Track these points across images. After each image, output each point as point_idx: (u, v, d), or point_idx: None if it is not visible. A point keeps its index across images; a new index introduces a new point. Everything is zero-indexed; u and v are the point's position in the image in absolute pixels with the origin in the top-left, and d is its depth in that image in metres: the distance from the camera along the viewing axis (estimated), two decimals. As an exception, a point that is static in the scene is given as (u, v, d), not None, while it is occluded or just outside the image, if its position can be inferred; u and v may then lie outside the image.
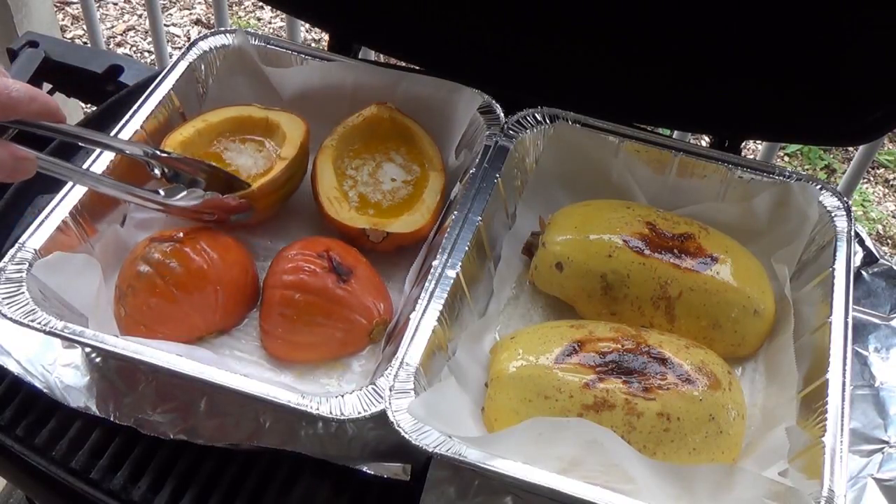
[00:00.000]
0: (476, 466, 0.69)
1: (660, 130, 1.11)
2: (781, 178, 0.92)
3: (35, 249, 0.80)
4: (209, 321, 0.84)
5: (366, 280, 0.85)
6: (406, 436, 0.70)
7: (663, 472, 0.69)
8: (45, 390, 0.80)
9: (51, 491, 0.79)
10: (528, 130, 0.95)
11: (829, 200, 0.90)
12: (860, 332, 0.88)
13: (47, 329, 0.75)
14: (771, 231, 0.91)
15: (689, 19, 0.90)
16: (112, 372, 0.81)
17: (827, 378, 0.76)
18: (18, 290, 0.78)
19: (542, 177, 0.96)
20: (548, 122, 0.96)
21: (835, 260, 0.85)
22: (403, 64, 1.16)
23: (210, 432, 0.78)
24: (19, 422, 0.81)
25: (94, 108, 1.09)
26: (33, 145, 0.70)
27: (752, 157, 1.48)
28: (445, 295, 0.80)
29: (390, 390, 0.73)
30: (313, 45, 2.28)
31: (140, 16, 2.46)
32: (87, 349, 0.82)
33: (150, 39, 2.34)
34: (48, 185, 0.92)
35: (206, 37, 1.02)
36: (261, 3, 2.01)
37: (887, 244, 2.06)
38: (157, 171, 0.84)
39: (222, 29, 1.03)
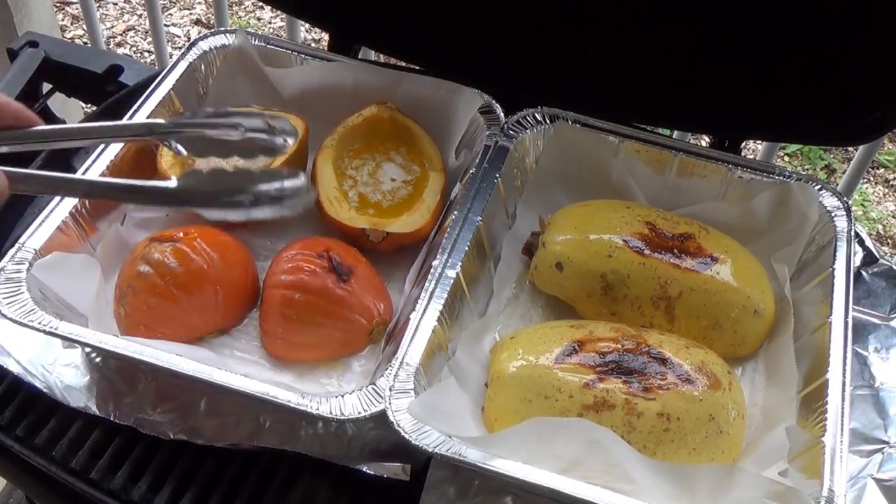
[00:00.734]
0: (476, 466, 0.69)
1: (660, 130, 1.11)
2: (781, 178, 0.92)
3: (35, 249, 0.80)
4: (209, 321, 0.84)
5: (366, 280, 0.85)
6: (406, 436, 0.70)
7: (663, 472, 0.69)
8: (45, 390, 0.80)
9: (51, 491, 0.79)
10: (528, 130, 0.95)
11: (829, 200, 0.90)
12: (860, 332, 0.88)
13: (47, 329, 0.75)
14: (771, 231, 0.91)
15: (689, 19, 0.90)
16: (112, 372, 0.81)
17: (827, 378, 0.76)
18: (18, 290, 0.78)
19: (542, 177, 0.96)
20: (548, 122, 0.96)
21: (835, 260, 0.85)
22: (403, 64, 1.16)
23: (210, 432, 0.78)
24: (19, 422, 0.81)
25: (94, 108, 1.09)
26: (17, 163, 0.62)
27: (752, 157, 1.48)
28: (445, 295, 0.80)
29: (390, 390, 0.73)
30: (313, 45, 2.28)
31: (140, 16, 2.46)
32: (87, 349, 0.82)
33: (150, 39, 2.34)
34: (48, 185, 0.93)
35: (206, 37, 1.02)
36: (261, 3, 2.01)
37: (887, 244, 2.06)
38: (178, 147, 0.68)
39: (222, 29, 1.03)
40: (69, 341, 0.77)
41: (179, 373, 0.74)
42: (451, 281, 0.81)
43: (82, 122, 1.06)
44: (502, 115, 0.96)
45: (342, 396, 0.73)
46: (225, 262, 0.84)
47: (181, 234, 0.84)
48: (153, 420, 0.78)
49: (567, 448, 0.71)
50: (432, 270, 0.82)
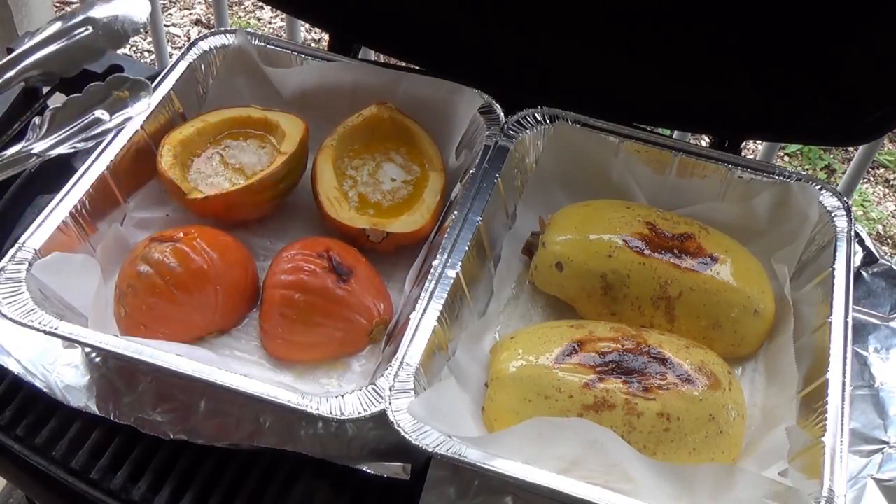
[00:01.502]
0: (476, 466, 0.69)
1: (660, 130, 1.11)
2: (781, 178, 0.92)
3: (35, 249, 0.80)
4: (209, 321, 0.84)
5: (366, 280, 0.85)
6: (406, 436, 0.70)
7: (663, 472, 0.69)
8: (45, 390, 0.80)
9: (51, 491, 0.79)
10: (528, 130, 0.95)
11: (829, 200, 0.90)
12: (860, 332, 0.88)
13: (47, 329, 0.75)
14: (771, 231, 0.91)
15: (690, 19, 0.90)
16: (112, 372, 0.81)
17: (827, 378, 0.76)
18: (18, 290, 0.78)
19: (542, 177, 0.96)
20: (548, 122, 0.96)
21: (835, 260, 0.85)
22: (403, 64, 1.16)
23: (210, 432, 0.78)
24: (19, 422, 0.81)
25: (94, 108, 1.09)
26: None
27: (752, 157, 1.48)
28: (445, 295, 0.80)
29: (390, 390, 0.73)
30: (313, 45, 2.28)
31: (140, 16, 2.46)
32: (87, 349, 0.82)
33: (150, 39, 2.34)
34: (48, 185, 0.93)
35: (206, 37, 1.02)
36: (261, 3, 2.01)
37: (887, 244, 2.06)
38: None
39: (222, 29, 1.03)
40: (69, 341, 0.77)
41: (179, 373, 0.74)
42: (451, 281, 0.81)
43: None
44: (502, 115, 0.96)
45: (342, 396, 0.73)
46: (225, 262, 0.84)
47: (181, 234, 0.84)
48: (153, 420, 0.78)
49: (567, 448, 0.71)
50: (432, 270, 0.82)
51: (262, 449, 0.77)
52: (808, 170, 2.17)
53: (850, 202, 0.92)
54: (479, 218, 0.87)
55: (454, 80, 0.99)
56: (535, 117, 0.96)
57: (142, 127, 0.92)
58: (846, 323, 0.80)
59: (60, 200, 0.84)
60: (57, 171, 0.94)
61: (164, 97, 0.95)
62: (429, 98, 0.99)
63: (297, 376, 0.83)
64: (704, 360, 0.78)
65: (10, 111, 0.99)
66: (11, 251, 0.80)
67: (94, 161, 0.88)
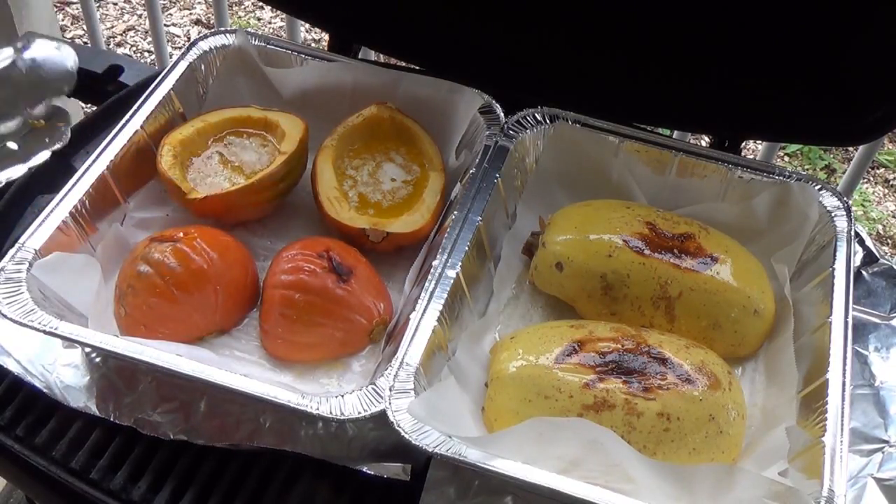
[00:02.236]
0: (476, 466, 0.69)
1: (660, 130, 1.11)
2: (781, 178, 0.92)
3: (35, 249, 0.80)
4: (209, 321, 0.84)
5: (366, 280, 0.85)
6: (406, 436, 0.70)
7: (663, 472, 0.69)
8: (45, 390, 0.80)
9: (51, 491, 0.79)
10: (528, 130, 0.95)
11: (829, 200, 0.90)
12: (860, 331, 0.88)
13: (47, 329, 0.75)
14: (771, 231, 0.91)
15: (690, 19, 0.90)
16: (112, 372, 0.81)
17: (827, 378, 0.76)
18: (18, 290, 0.77)
19: (542, 177, 0.96)
20: (548, 122, 0.96)
21: (835, 260, 0.85)
22: (403, 64, 1.16)
23: (210, 432, 0.78)
24: (19, 422, 0.81)
25: (95, 108, 1.09)
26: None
27: (752, 157, 1.48)
28: (445, 295, 0.80)
29: (390, 390, 0.73)
30: (313, 45, 2.28)
31: (140, 16, 2.46)
32: (87, 349, 0.82)
33: (150, 39, 2.34)
34: (48, 185, 0.93)
35: (206, 37, 1.02)
36: (261, 3, 2.01)
37: (887, 244, 2.06)
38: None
39: (222, 29, 1.03)
40: (69, 341, 0.77)
41: (179, 373, 0.74)
42: (451, 281, 0.81)
43: (79, 123, 1.06)
44: (502, 115, 0.96)
45: (342, 396, 0.73)
46: (225, 262, 0.84)
47: (181, 234, 0.84)
48: (153, 420, 0.78)
49: (567, 448, 0.71)
50: (432, 270, 0.82)
51: (262, 449, 0.77)
52: (808, 170, 2.17)
53: (850, 202, 0.92)
54: (479, 218, 0.87)
55: (454, 80, 0.99)
56: (535, 117, 0.96)
57: (142, 127, 0.92)
58: (846, 323, 0.80)
59: (60, 200, 0.84)
60: (57, 172, 0.94)
61: (164, 97, 0.95)
62: (429, 98, 0.99)
63: (297, 376, 0.83)
64: (704, 360, 0.78)
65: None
66: (11, 251, 0.80)
67: (94, 161, 0.88)
